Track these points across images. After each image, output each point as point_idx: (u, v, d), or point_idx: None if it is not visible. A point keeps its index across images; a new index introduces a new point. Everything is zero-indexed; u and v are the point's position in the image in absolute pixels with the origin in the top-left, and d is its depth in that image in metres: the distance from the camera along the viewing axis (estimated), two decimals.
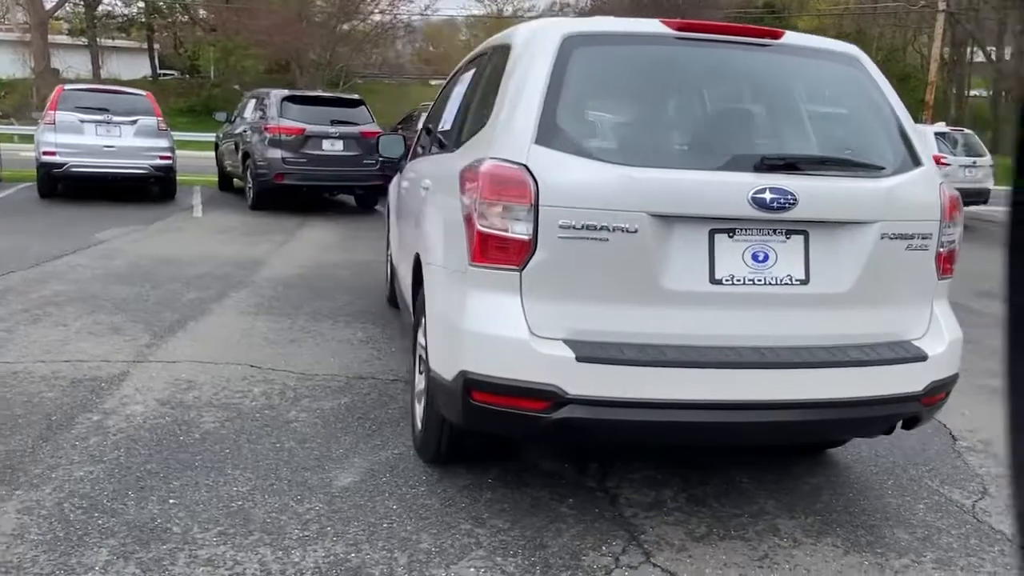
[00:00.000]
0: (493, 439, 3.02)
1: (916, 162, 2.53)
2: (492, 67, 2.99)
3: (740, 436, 2.56)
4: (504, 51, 2.80)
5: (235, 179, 12.92)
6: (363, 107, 11.02)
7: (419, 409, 3.23)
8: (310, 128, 10.32)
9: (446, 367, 2.51)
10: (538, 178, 2.27)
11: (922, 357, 2.44)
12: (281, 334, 4.82)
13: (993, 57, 39.19)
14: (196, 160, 16.69)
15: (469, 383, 2.35)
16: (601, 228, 2.24)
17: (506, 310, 2.31)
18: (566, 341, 2.28)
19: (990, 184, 13.11)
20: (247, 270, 6.80)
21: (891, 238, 2.41)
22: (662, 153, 2.44)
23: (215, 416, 3.46)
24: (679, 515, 2.79)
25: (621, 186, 2.26)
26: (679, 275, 2.30)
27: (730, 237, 2.32)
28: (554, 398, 2.25)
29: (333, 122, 10.54)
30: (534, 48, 2.49)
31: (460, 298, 2.42)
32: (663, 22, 2.54)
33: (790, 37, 2.61)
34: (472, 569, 2.37)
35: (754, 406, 2.29)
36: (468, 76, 3.49)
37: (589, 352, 2.23)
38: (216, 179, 13.76)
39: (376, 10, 29.65)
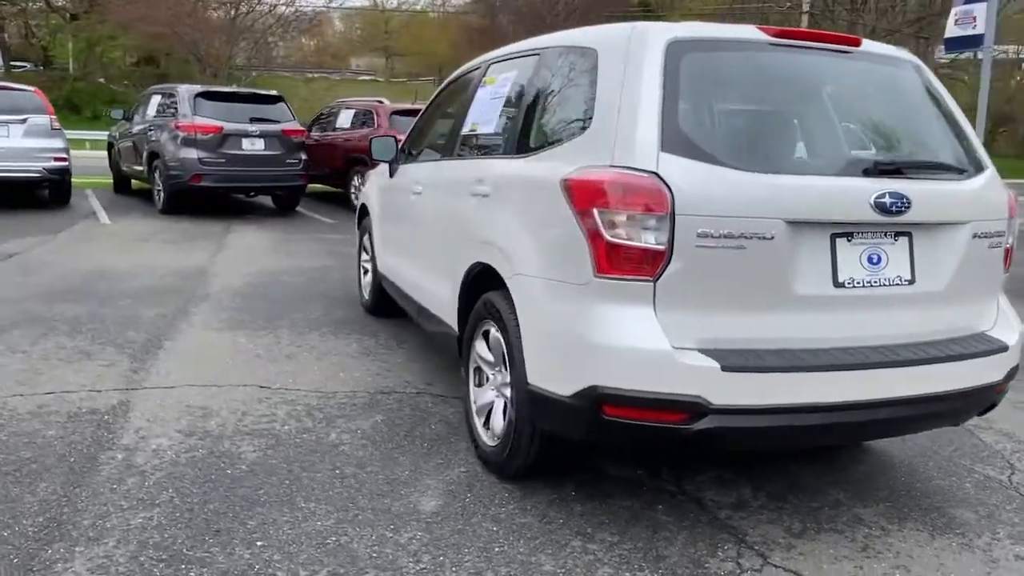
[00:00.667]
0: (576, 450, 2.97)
1: (983, 164, 2.70)
2: (561, 70, 2.92)
3: (865, 434, 2.64)
4: (583, 54, 2.74)
5: (133, 181, 12.05)
6: (283, 104, 10.51)
7: (479, 423, 3.13)
8: (228, 126, 9.74)
9: (561, 382, 2.44)
10: (672, 186, 2.23)
11: (1004, 348, 2.60)
12: (272, 350, 4.53)
13: None
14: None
15: (601, 397, 2.29)
16: (740, 236, 2.24)
17: (641, 322, 2.27)
18: (704, 351, 2.26)
19: None
20: (194, 281, 6.34)
21: (979, 237, 2.56)
22: (783, 159, 2.47)
23: (253, 445, 3.20)
24: (768, 513, 2.84)
25: (757, 193, 2.27)
26: (807, 280, 2.35)
27: (848, 241, 2.39)
28: (696, 409, 2.23)
29: (252, 120, 10.00)
30: (637, 53, 2.45)
31: (583, 311, 2.35)
32: (759, 28, 2.57)
33: (866, 45, 2.70)
34: None
35: (880, 404, 2.36)
36: (505, 78, 3.39)
37: (734, 361, 2.23)
38: (110, 181, 12.76)
39: (280, 2, 28.24)
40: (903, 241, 2.46)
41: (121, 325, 4.90)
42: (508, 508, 2.78)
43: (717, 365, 2.22)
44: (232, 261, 7.34)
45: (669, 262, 2.24)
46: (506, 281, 2.77)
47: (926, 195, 2.44)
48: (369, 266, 5.54)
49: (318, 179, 11.80)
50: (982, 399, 2.60)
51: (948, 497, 3.05)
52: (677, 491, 2.99)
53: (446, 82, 4.45)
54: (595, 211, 2.31)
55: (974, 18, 13.97)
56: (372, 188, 5.29)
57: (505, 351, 2.84)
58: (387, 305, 5.26)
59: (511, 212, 2.83)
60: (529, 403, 2.63)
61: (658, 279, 2.25)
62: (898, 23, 41.83)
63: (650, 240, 2.24)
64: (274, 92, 10.82)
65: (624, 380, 2.26)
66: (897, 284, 2.45)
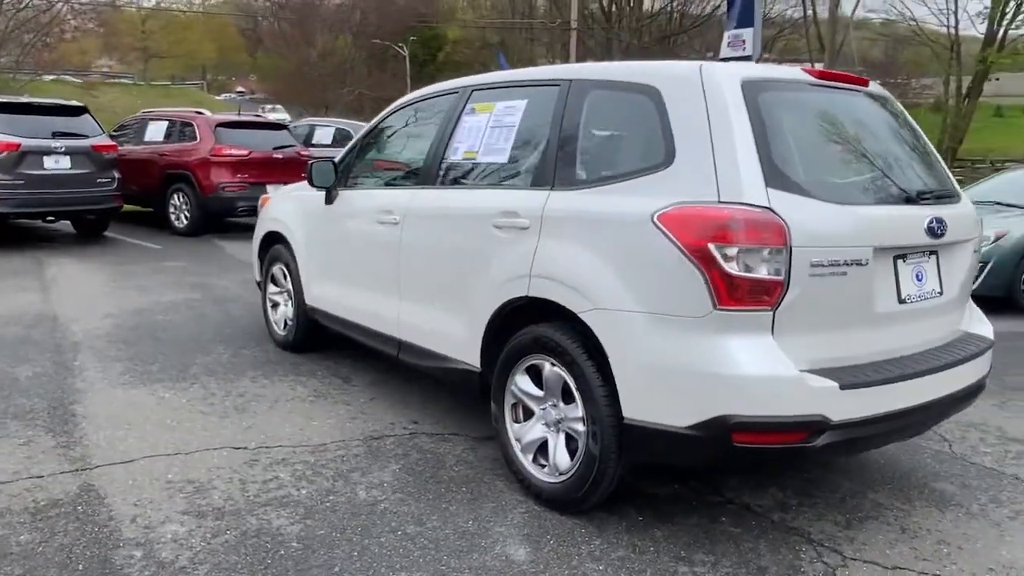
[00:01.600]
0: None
1: (958, 188, 3.16)
2: (604, 104, 2.95)
3: (923, 429, 2.95)
4: (637, 90, 2.78)
5: None
6: (87, 116, 9.23)
7: (527, 461, 3.07)
8: (26, 143, 8.37)
9: (675, 414, 2.48)
10: (787, 220, 2.37)
11: (992, 343, 3.08)
12: (212, 404, 4.03)
13: None
14: None
15: (732, 426, 2.37)
16: (843, 263, 2.44)
17: (765, 349, 2.38)
18: (816, 371, 2.43)
19: None
20: (46, 329, 5.42)
21: (975, 251, 3.00)
22: (855, 191, 2.70)
23: (284, 517, 2.86)
24: (809, 510, 3.09)
25: (850, 224, 2.48)
26: (883, 299, 2.60)
27: (904, 262, 2.69)
28: (819, 427, 2.39)
29: (55, 134, 8.68)
30: (716, 91, 2.56)
31: (704, 342, 2.41)
32: (804, 70, 2.79)
33: (871, 85, 3.05)
34: None
35: (939, 401, 2.69)
36: (511, 107, 3.31)
37: (847, 379, 2.42)
38: None
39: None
40: (933, 259, 2.82)
41: (1, 391, 4.08)
42: (595, 544, 2.76)
43: (836, 384, 2.40)
44: (75, 301, 6.35)
45: (786, 291, 2.38)
46: (580, 316, 2.74)
47: (952, 218, 2.82)
48: (281, 299, 5.12)
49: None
50: (981, 386, 3.04)
51: (924, 473, 3.52)
52: (723, 500, 3.15)
53: (394, 108, 4.24)
54: (711, 246, 2.38)
55: (743, 41, 15.93)
56: (289, 214, 4.87)
57: (574, 385, 2.81)
58: (313, 340, 4.92)
59: (576, 245, 2.79)
60: (623, 437, 2.64)
61: (777, 308, 2.38)
62: (646, 41, 46.31)
63: (771, 271, 2.36)
64: (76, 102, 9.48)
65: (755, 407, 2.36)
66: (933, 296, 2.81)
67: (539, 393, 3.03)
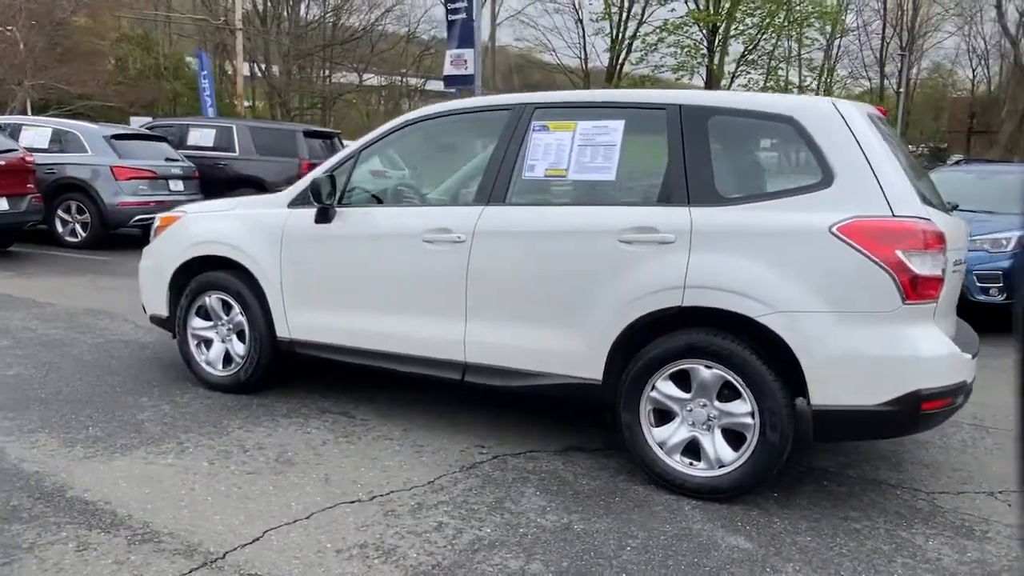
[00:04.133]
0: None
1: None
2: (729, 130, 3.28)
3: None
4: (771, 118, 3.17)
5: None
6: None
7: (675, 461, 3.26)
8: None
9: (868, 394, 2.92)
10: (942, 230, 2.98)
11: None
12: (243, 462, 3.40)
13: (264, 72, 44.39)
14: None
15: (923, 398, 2.90)
16: (959, 262, 3.13)
17: (936, 333, 2.96)
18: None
19: None
20: None
21: None
22: (925, 199, 3.36)
23: (512, 558, 2.68)
24: (867, 465, 3.78)
25: (952, 228, 3.16)
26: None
27: None
28: (964, 389, 3.05)
29: None
30: (858, 122, 3.07)
31: (896, 332, 2.89)
32: (874, 107, 3.44)
33: None
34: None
35: None
36: (606, 127, 3.40)
37: (971, 350, 3.12)
38: None
39: None
40: None
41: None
42: (780, 524, 3.08)
43: (970, 355, 3.08)
44: None
45: (942, 285, 2.99)
46: (757, 320, 3.02)
47: None
48: (214, 335, 4.40)
49: None
50: None
51: None
52: (805, 468, 3.68)
53: (402, 123, 3.91)
54: (898, 252, 2.88)
55: (465, 61, 16.84)
56: (244, 236, 4.17)
57: (742, 383, 3.09)
58: (270, 376, 4.34)
59: (739, 257, 3.05)
60: (799, 421, 3.02)
61: (937, 299, 2.98)
62: (308, 47, 45.63)
63: (937, 270, 2.94)
64: None
65: (936, 380, 2.92)
66: None
67: (685, 396, 3.24)
